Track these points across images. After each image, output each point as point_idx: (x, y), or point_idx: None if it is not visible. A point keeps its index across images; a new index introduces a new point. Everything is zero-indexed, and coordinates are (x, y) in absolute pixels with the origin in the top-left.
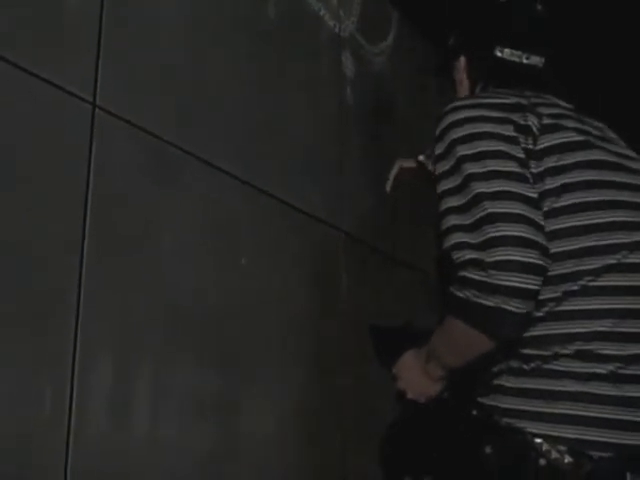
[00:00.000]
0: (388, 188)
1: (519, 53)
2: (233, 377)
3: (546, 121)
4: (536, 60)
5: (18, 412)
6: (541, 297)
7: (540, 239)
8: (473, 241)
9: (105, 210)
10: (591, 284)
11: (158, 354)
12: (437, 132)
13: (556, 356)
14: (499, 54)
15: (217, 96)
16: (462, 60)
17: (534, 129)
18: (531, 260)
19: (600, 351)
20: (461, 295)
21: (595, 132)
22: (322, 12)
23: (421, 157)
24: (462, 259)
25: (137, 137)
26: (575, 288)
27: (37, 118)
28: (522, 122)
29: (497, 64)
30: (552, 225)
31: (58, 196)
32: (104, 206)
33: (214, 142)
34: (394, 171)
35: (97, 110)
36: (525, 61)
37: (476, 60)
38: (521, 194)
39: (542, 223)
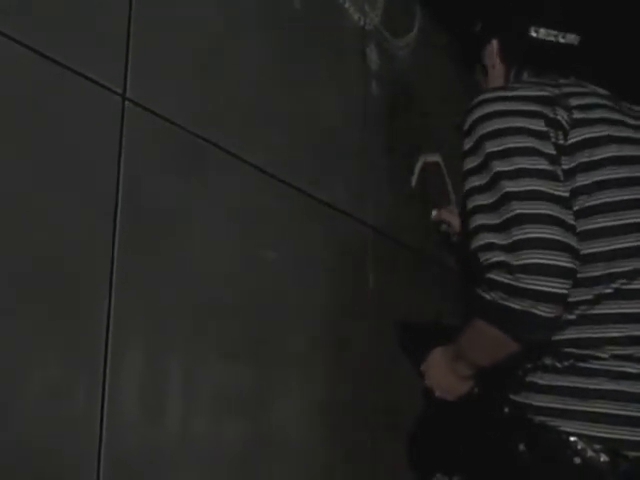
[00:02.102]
0: (413, 183)
1: (555, 32)
2: (262, 372)
3: (576, 115)
4: (572, 38)
5: (52, 406)
6: (573, 299)
7: (570, 240)
8: (501, 242)
9: (135, 202)
10: (625, 287)
11: (188, 348)
12: (465, 126)
13: (591, 356)
14: (534, 34)
15: (244, 88)
16: (494, 44)
17: (564, 123)
18: (560, 263)
19: (637, 355)
20: (488, 297)
21: (631, 121)
22: (347, 5)
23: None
24: (489, 261)
25: (166, 129)
26: (608, 291)
27: (67, 110)
28: (552, 116)
29: (532, 45)
30: (583, 225)
31: (89, 188)
32: (134, 198)
33: (242, 135)
34: (419, 165)
35: (127, 102)
36: (562, 40)
37: (510, 42)
38: (551, 193)
39: (572, 223)
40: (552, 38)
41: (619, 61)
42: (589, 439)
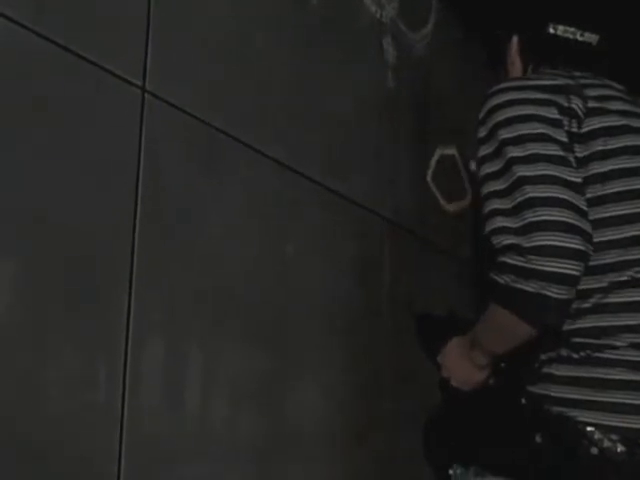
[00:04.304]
0: (429, 176)
1: (573, 30)
2: (280, 364)
3: (591, 104)
4: (591, 37)
5: (73, 396)
6: (586, 287)
7: (582, 224)
8: (513, 225)
9: (155, 194)
10: (639, 275)
11: (208, 339)
12: (480, 116)
13: (607, 346)
14: (552, 31)
15: (262, 81)
16: (514, 40)
17: (579, 112)
18: (571, 245)
19: None
20: (501, 281)
21: None
22: None
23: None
24: (501, 244)
25: (186, 122)
26: (623, 279)
27: (86, 102)
28: (566, 104)
29: (550, 42)
30: (597, 213)
31: (109, 182)
32: (154, 190)
33: (259, 127)
34: (435, 158)
35: (146, 95)
36: (580, 38)
37: (529, 38)
38: (564, 179)
39: (585, 208)
40: (570, 35)
41: (636, 59)
42: (606, 429)
